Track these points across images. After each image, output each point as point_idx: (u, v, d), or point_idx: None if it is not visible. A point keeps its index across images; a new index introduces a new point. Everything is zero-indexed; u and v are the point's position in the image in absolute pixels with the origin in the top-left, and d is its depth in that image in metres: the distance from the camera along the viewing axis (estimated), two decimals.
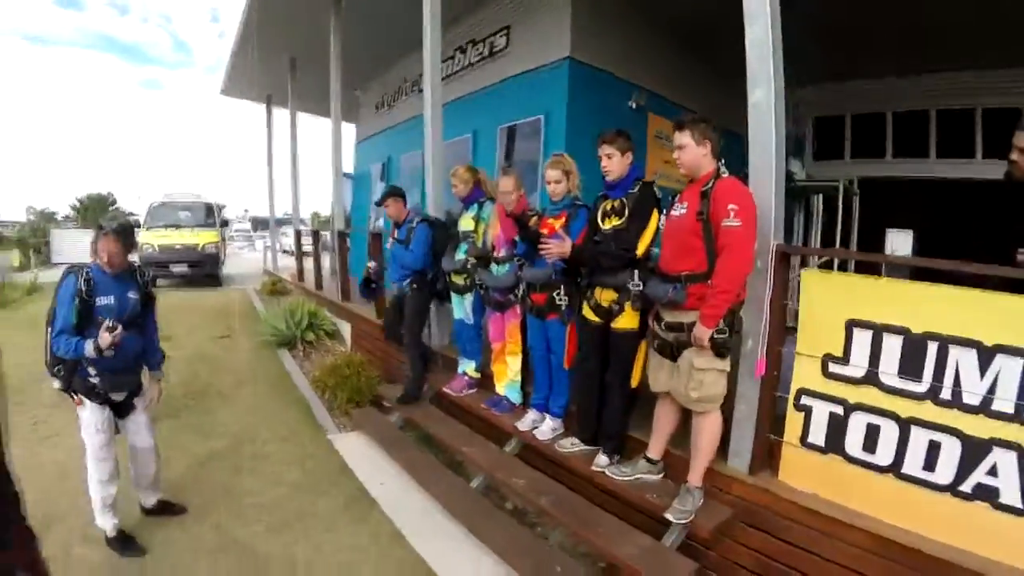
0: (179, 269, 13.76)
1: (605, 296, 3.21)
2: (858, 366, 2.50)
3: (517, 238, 3.79)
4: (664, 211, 3.02)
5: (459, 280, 4.45)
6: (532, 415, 3.93)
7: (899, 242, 5.00)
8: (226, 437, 4.94)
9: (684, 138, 2.80)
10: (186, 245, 13.87)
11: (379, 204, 4.91)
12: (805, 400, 2.69)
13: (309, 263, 11.02)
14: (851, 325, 2.51)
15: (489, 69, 7.81)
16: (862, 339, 2.49)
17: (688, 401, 2.83)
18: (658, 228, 3.06)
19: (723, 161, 2.82)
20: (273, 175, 14.49)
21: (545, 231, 3.50)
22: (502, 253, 3.99)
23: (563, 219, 3.51)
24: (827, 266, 6.32)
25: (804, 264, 3.81)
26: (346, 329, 7.99)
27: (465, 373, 4.66)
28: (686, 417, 2.99)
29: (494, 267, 4.04)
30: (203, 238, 14.09)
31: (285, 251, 19.72)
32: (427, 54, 5.48)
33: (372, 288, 5.73)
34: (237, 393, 6.17)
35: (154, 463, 3.49)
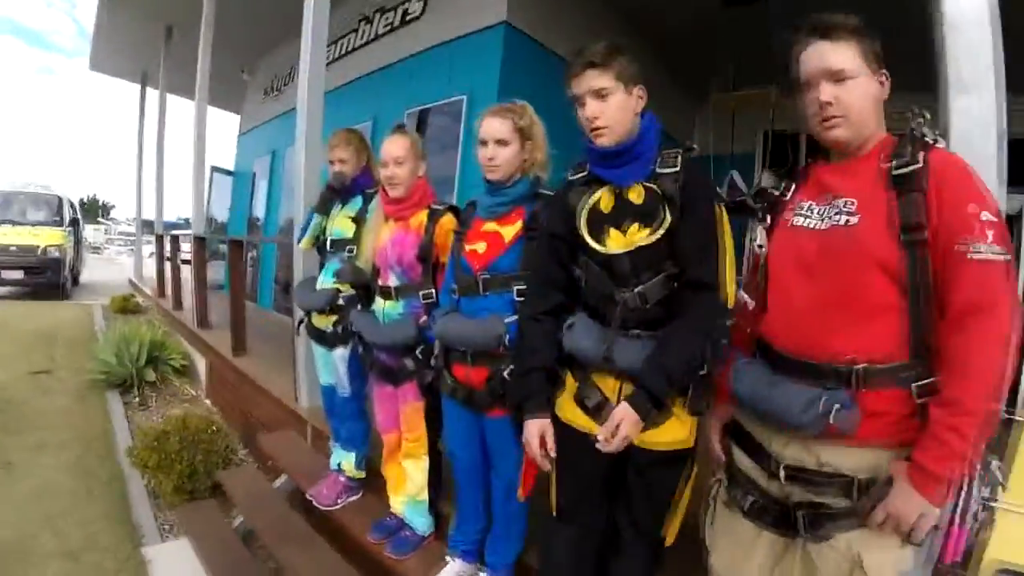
0: (11, 275, 11.15)
1: (613, 382, 1.65)
2: None
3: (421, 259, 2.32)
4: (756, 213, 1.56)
5: (323, 323, 2.81)
6: (456, 567, 2.26)
7: None
8: None
9: (844, 55, 1.32)
10: (22, 247, 11.20)
11: None
12: None
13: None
14: None
15: (399, 41, 6.25)
16: None
17: None
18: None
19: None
20: (143, 169, 12.21)
21: (481, 248, 2.02)
22: (392, 280, 2.41)
23: (518, 223, 1.99)
24: None
25: None
26: (202, 366, 6.12)
27: (340, 470, 2.95)
28: None
29: (379, 304, 2.46)
30: (45, 239, 11.48)
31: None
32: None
33: None
34: (31, 463, 4.31)
35: None
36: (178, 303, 7.66)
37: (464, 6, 5.36)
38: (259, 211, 9.72)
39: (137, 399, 5.74)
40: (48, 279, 11.22)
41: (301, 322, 3.00)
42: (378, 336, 2.36)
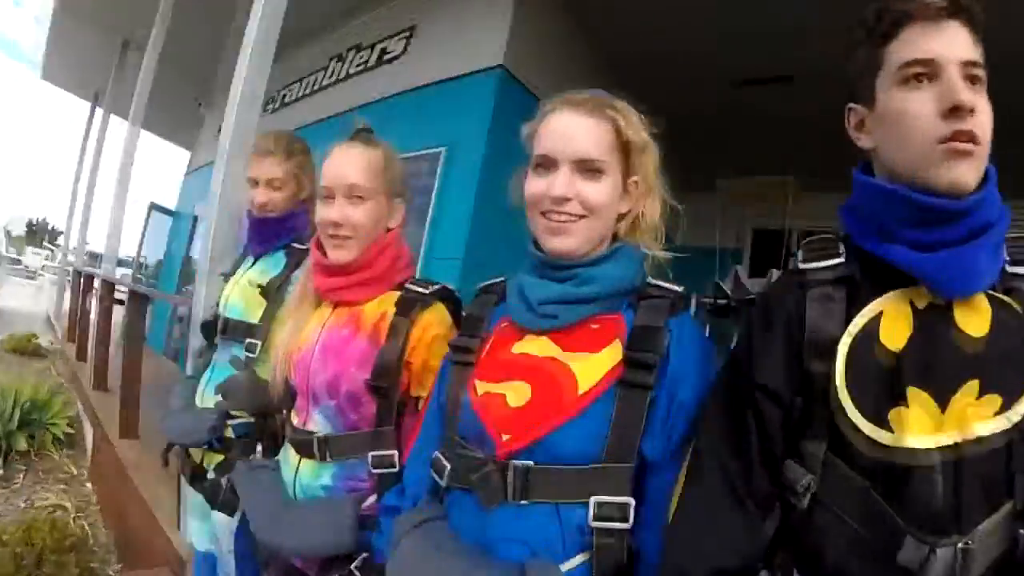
0: None
1: None
2: None
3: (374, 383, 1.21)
4: None
5: (206, 459, 1.68)
6: None
7: None
8: None
9: None
10: None
11: None
12: None
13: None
14: None
15: (371, 82, 5.46)
16: None
17: None
18: None
19: None
20: (78, 195, 11.03)
21: (515, 394, 0.93)
22: (316, 423, 1.26)
23: (609, 348, 0.92)
24: None
25: None
26: (91, 437, 5.00)
27: None
28: None
29: (291, 462, 1.30)
30: None
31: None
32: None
33: None
34: None
35: None
36: (82, 354, 6.48)
37: (452, 46, 4.63)
38: (197, 255, 8.67)
39: (0, 472, 4.60)
40: None
41: (171, 446, 1.75)
42: (280, 530, 1.19)
